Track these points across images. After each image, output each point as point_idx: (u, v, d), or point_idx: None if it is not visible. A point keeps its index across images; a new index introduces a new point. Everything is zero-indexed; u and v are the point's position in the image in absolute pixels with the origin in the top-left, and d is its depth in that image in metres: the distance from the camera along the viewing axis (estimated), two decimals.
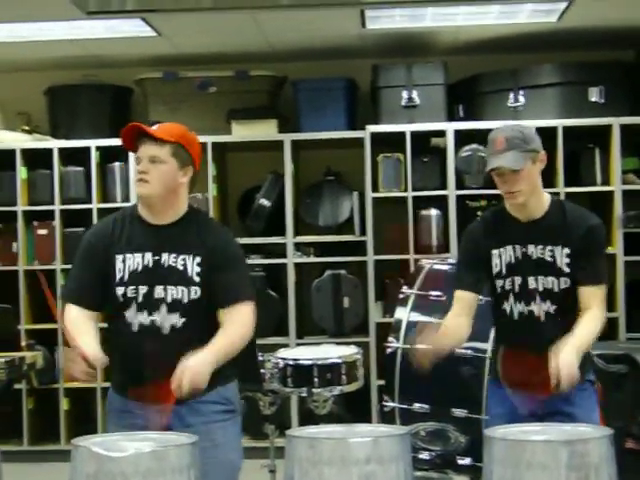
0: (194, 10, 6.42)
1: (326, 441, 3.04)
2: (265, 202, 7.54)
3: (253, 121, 7.49)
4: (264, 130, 7.50)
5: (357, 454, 2.98)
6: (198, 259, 3.61)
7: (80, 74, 7.85)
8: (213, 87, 7.63)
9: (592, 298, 3.77)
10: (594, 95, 7.24)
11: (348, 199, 7.55)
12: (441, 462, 5.01)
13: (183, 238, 3.66)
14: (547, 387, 3.58)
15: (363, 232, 7.35)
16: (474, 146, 7.05)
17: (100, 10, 6.42)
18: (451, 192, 7.22)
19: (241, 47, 7.45)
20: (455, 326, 3.91)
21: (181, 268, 3.61)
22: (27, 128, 7.80)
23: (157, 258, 3.63)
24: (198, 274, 3.60)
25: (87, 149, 7.55)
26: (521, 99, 7.29)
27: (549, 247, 3.81)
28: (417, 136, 7.23)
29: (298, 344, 7.02)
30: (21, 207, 7.58)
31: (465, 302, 3.91)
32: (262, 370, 5.08)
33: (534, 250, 3.82)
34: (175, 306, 3.60)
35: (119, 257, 3.65)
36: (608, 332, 6.53)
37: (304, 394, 5.04)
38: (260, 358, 5.10)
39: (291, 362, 5.03)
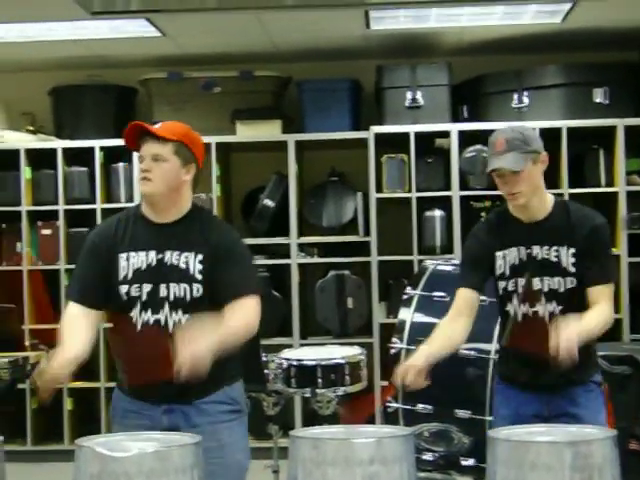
0: (198, 10, 6.43)
1: (330, 442, 3.04)
2: (269, 202, 7.54)
3: (257, 121, 7.50)
4: (268, 130, 7.51)
5: (361, 455, 2.97)
6: (200, 256, 3.60)
7: (84, 74, 7.86)
8: (217, 87, 7.64)
9: (600, 296, 3.75)
10: (598, 96, 7.24)
11: (352, 200, 7.55)
12: (444, 463, 5.00)
13: (186, 236, 3.66)
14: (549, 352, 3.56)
15: (367, 233, 7.35)
16: (478, 147, 7.05)
17: (104, 10, 6.43)
18: (455, 193, 7.22)
19: (245, 47, 7.46)
20: (448, 335, 3.87)
21: (183, 266, 3.61)
22: (31, 128, 7.81)
23: (161, 256, 3.63)
24: (200, 272, 3.60)
25: (91, 149, 7.56)
26: (525, 100, 7.29)
27: (554, 247, 3.80)
28: (421, 137, 7.23)
29: (302, 345, 7.02)
30: (25, 207, 7.59)
31: (466, 301, 3.90)
32: (266, 370, 5.09)
33: (539, 251, 3.81)
34: (178, 304, 3.60)
35: (123, 256, 3.65)
36: (612, 333, 6.55)
37: (308, 394, 5.04)
38: (264, 358, 5.10)
39: (295, 363, 5.04)
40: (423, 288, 5.15)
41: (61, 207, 7.58)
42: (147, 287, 3.62)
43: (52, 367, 3.51)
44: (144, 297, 3.61)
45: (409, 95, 7.36)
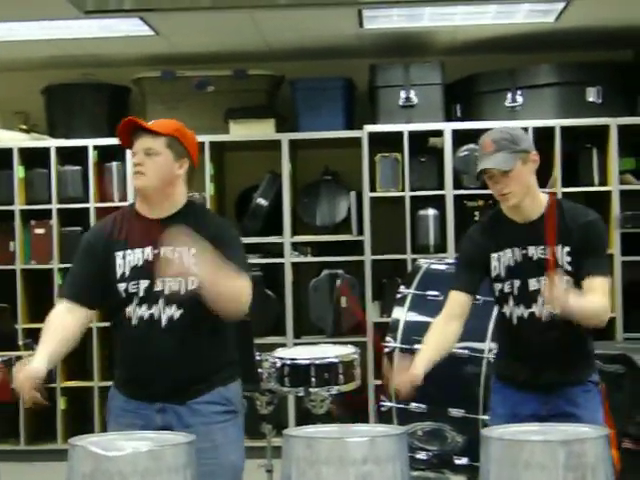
0: (192, 9, 6.42)
1: (323, 441, 3.04)
2: (262, 201, 7.54)
3: (251, 120, 7.49)
4: (262, 129, 7.50)
5: (354, 454, 2.98)
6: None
7: (78, 73, 7.85)
8: (211, 86, 7.63)
9: (595, 289, 3.69)
10: (592, 95, 7.24)
11: (345, 199, 7.56)
12: (438, 462, 5.01)
13: None
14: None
15: (360, 232, 7.35)
16: (472, 146, 7.05)
17: (98, 9, 6.43)
18: (449, 192, 7.22)
19: (239, 46, 7.46)
20: (441, 341, 3.86)
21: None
22: (25, 127, 7.80)
23: (157, 252, 3.63)
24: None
25: (85, 148, 7.54)
26: (519, 99, 7.29)
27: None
28: (415, 136, 7.23)
29: (295, 344, 7.01)
30: (18, 206, 7.58)
31: (458, 303, 3.89)
32: (259, 370, 5.09)
33: (534, 251, 3.79)
34: (172, 298, 3.60)
35: (119, 254, 3.65)
36: (605, 332, 6.55)
37: (301, 394, 5.04)
38: (257, 358, 5.10)
39: (288, 362, 5.04)
40: (417, 287, 5.16)
41: (54, 206, 7.56)
42: (144, 283, 3.62)
43: (17, 379, 3.51)
44: (141, 293, 3.61)
45: (403, 94, 7.36)
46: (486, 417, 4.47)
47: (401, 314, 5.08)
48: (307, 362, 5.01)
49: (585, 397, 3.82)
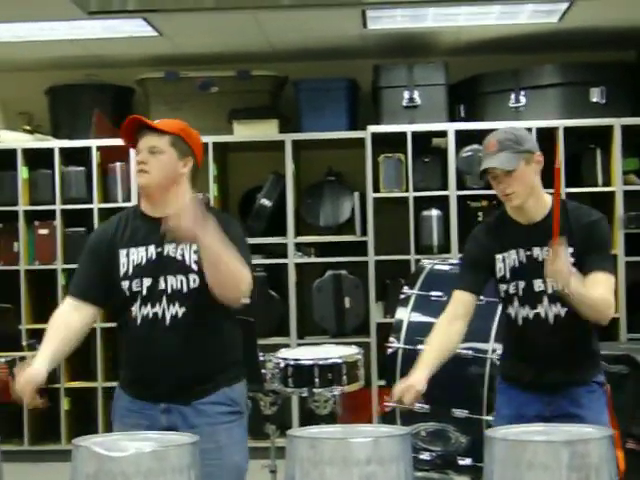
0: (195, 10, 6.43)
1: (327, 441, 3.04)
2: (266, 202, 7.54)
3: (254, 121, 7.49)
4: (265, 130, 7.51)
5: (358, 454, 2.97)
6: (195, 246, 3.59)
7: (81, 74, 7.86)
8: (214, 87, 7.64)
9: (599, 282, 3.66)
10: (595, 96, 7.24)
11: (349, 199, 7.55)
12: (442, 462, 5.00)
13: None
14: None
15: (364, 232, 7.35)
16: (475, 146, 7.05)
17: (101, 10, 6.43)
18: (452, 192, 7.22)
19: (242, 47, 7.46)
20: (445, 342, 3.86)
21: (179, 257, 3.62)
22: (28, 128, 7.80)
23: (160, 250, 3.63)
24: (196, 262, 3.59)
25: (88, 149, 7.55)
26: (522, 99, 7.29)
27: None
28: (418, 136, 7.23)
29: (299, 344, 7.03)
30: (22, 207, 7.59)
31: (462, 303, 3.89)
32: (263, 370, 5.09)
33: (540, 252, 3.77)
34: (175, 296, 3.60)
35: (123, 252, 3.67)
36: (609, 333, 6.55)
37: (305, 394, 5.04)
38: (261, 358, 5.10)
39: (292, 362, 5.04)
40: (420, 287, 5.15)
41: (58, 207, 7.57)
42: (147, 281, 3.63)
43: (18, 382, 3.52)
44: (144, 291, 3.62)
45: (406, 95, 7.36)
46: (490, 418, 4.48)
47: (404, 315, 5.08)
48: (311, 363, 5.01)
49: (589, 398, 3.81)
